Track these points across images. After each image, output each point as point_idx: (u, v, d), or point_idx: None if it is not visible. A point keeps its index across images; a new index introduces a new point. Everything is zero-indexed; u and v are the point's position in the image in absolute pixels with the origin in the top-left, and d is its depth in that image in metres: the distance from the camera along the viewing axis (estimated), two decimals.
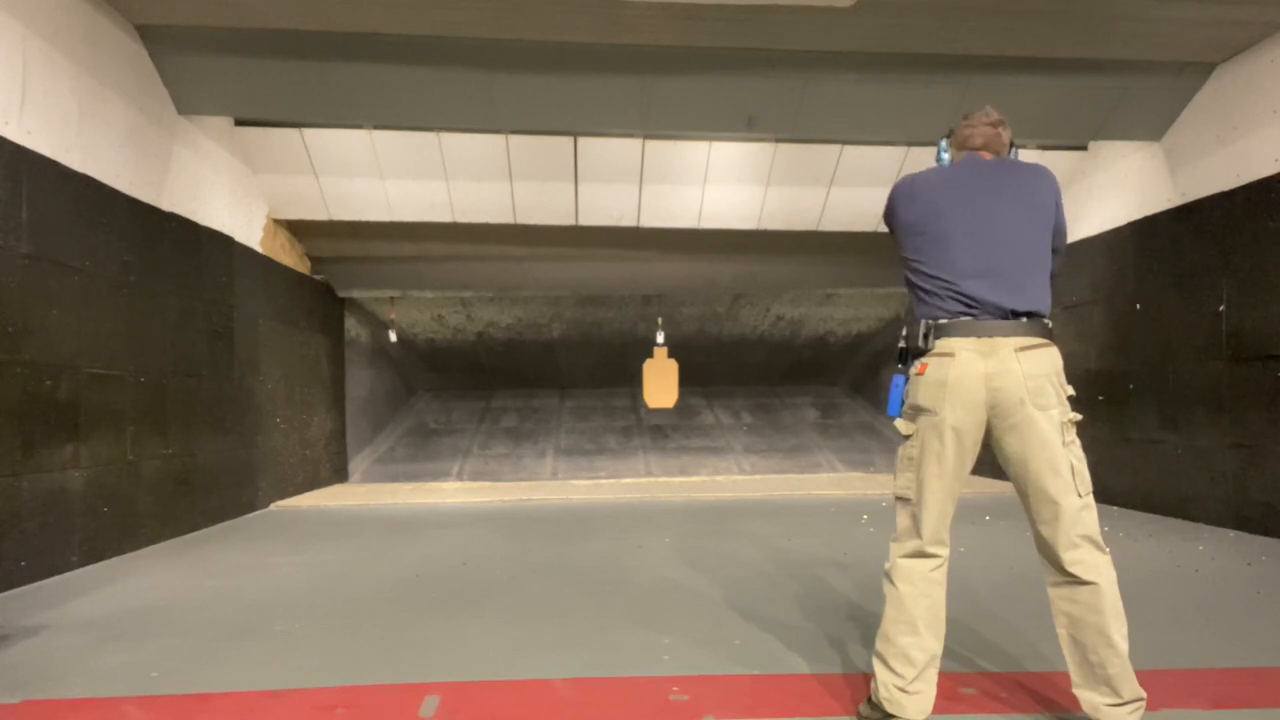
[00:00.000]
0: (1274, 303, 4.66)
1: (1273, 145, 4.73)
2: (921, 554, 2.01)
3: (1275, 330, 4.65)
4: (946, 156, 2.25)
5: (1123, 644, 1.88)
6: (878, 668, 2.02)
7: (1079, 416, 1.98)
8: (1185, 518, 5.33)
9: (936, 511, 2.00)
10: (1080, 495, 1.91)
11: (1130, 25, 4.70)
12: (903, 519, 2.06)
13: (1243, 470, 4.88)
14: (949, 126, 2.28)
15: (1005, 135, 2.16)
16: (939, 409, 1.96)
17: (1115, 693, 1.88)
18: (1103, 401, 6.10)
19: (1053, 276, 2.13)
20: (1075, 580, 1.90)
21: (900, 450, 2.09)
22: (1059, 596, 1.95)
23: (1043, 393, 1.92)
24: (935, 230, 2.06)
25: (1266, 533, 4.68)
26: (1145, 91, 5.42)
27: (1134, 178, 5.99)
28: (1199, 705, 2.15)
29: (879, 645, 2.03)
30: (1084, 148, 6.46)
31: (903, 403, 2.12)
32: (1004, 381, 1.92)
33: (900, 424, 2.09)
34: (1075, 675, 1.95)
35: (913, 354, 2.08)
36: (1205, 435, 5.17)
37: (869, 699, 2.07)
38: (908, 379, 2.10)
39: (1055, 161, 6.51)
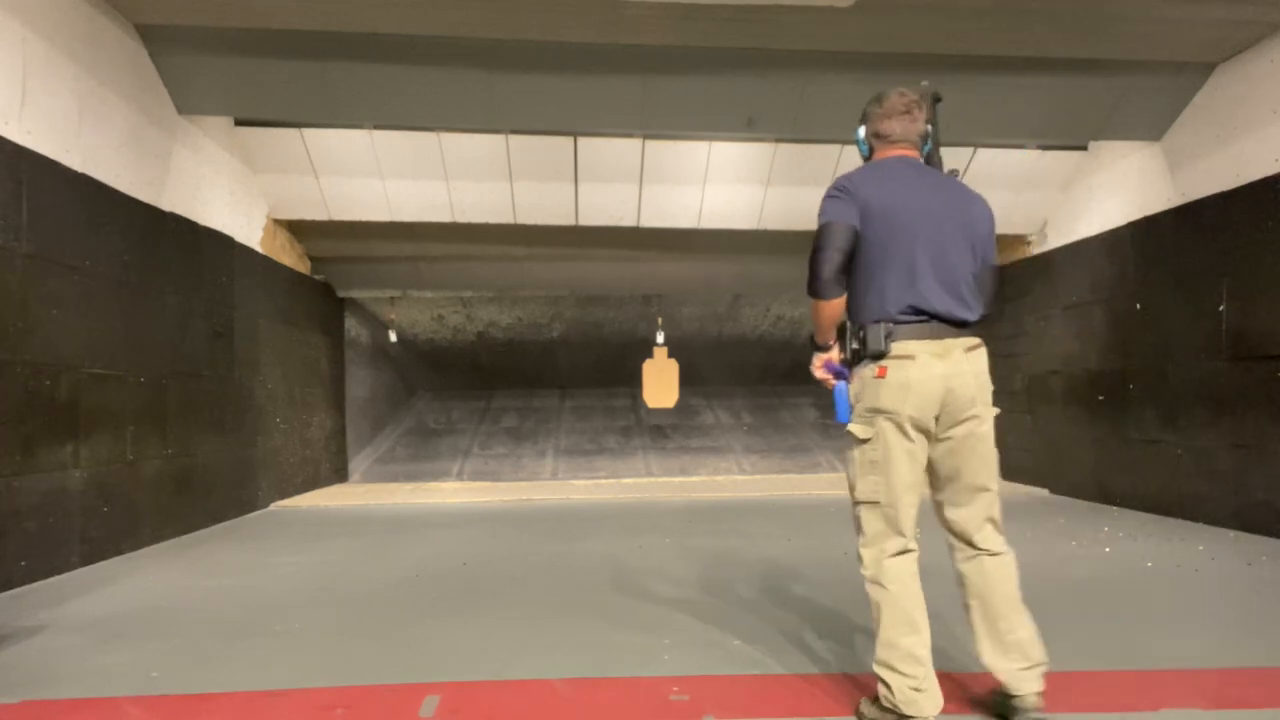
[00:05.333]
0: (1274, 303, 4.65)
1: (1273, 145, 4.72)
2: (905, 550, 2.05)
3: (1275, 330, 4.64)
4: (865, 146, 2.25)
5: (1026, 611, 2.04)
6: (887, 675, 1.97)
7: (999, 410, 2.13)
8: (1185, 518, 5.32)
9: (912, 506, 2.04)
10: (997, 481, 2.11)
11: (1130, 25, 4.70)
12: (873, 523, 2.04)
13: (1243, 470, 4.87)
14: (862, 110, 2.27)
15: (921, 119, 2.15)
16: (901, 410, 1.98)
17: (1025, 656, 2.01)
18: (1102, 401, 6.10)
19: (985, 315, 2.12)
20: (987, 552, 2.06)
21: (856, 455, 2.06)
22: (971, 570, 2.08)
23: (986, 390, 2.05)
24: (899, 224, 2.01)
25: (1266, 533, 4.68)
26: (1145, 91, 5.42)
27: (1134, 178, 5.99)
28: (1199, 705, 2.15)
29: (882, 653, 1.99)
30: (1084, 148, 6.46)
31: (851, 407, 2.11)
32: (957, 382, 1.99)
33: (856, 428, 2.06)
34: (986, 647, 2.05)
35: (870, 356, 2.02)
36: (1205, 435, 5.16)
37: (869, 699, 2.07)
38: (850, 382, 2.11)
39: (1055, 161, 6.51)
